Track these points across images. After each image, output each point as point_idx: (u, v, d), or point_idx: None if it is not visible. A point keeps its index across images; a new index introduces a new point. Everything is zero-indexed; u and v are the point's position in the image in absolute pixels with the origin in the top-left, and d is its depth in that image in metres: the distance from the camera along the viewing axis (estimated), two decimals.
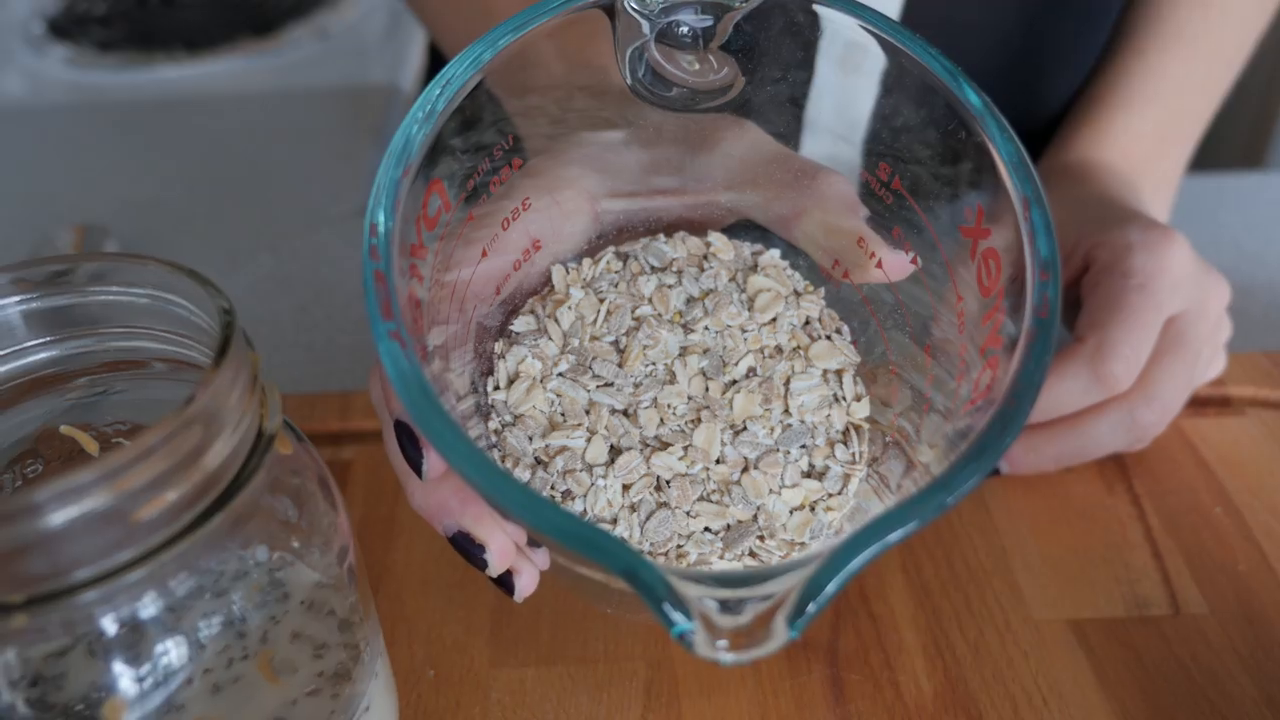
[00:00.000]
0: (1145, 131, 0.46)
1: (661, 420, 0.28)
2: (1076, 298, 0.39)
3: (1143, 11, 0.47)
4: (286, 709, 0.25)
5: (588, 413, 0.28)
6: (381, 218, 0.22)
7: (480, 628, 0.34)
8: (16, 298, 0.23)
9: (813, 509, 0.28)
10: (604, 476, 0.27)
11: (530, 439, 0.28)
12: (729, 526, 0.27)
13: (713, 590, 0.20)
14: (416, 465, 0.25)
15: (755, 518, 0.27)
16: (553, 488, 0.27)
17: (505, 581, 0.27)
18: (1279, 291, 0.49)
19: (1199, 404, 0.41)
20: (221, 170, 0.67)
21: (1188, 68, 0.47)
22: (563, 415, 0.28)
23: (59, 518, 0.19)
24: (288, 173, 0.67)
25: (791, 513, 0.28)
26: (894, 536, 0.21)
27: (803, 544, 0.27)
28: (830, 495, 0.28)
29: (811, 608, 0.20)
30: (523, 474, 0.27)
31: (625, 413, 0.28)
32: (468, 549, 0.26)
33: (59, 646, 0.22)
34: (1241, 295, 0.43)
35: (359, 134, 0.73)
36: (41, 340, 0.24)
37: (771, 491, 0.27)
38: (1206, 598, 0.34)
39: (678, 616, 0.20)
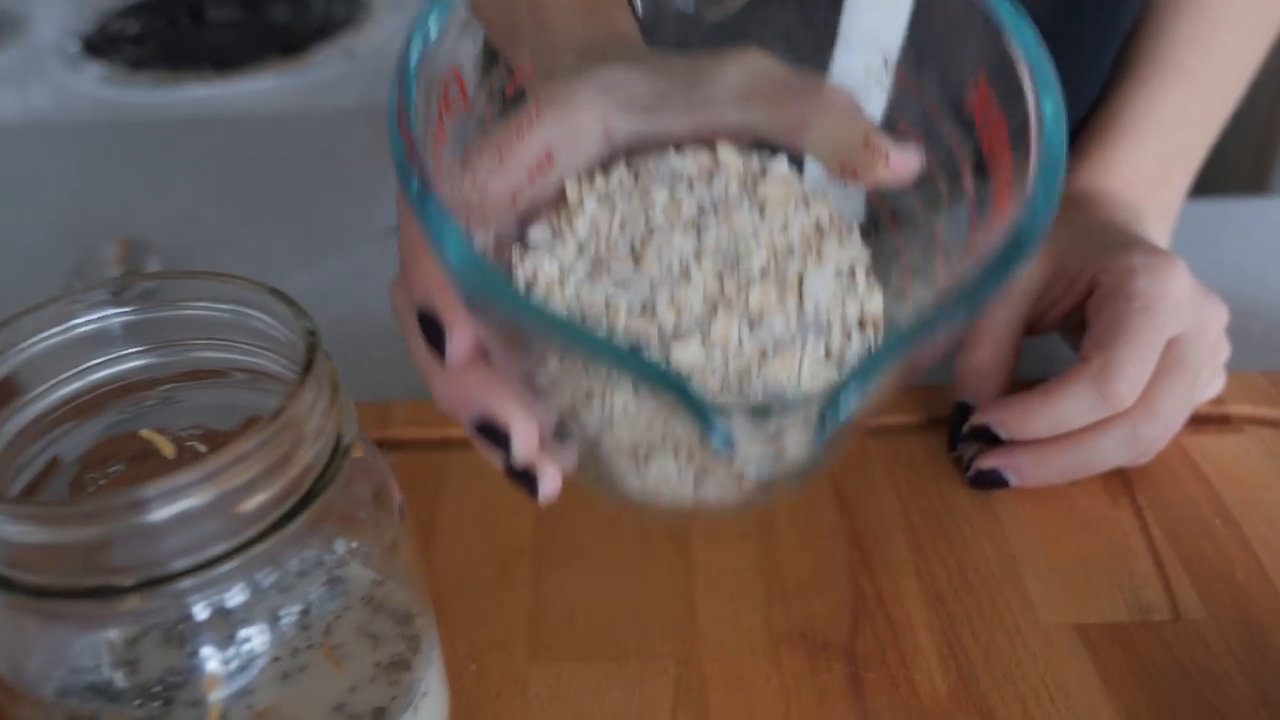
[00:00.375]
0: (1147, 162, 0.49)
1: (679, 316, 0.27)
2: (1081, 320, 0.41)
3: (1143, 47, 0.50)
4: (348, 694, 0.27)
5: (606, 311, 0.27)
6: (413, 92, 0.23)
7: (518, 626, 0.36)
8: (115, 310, 0.25)
9: None
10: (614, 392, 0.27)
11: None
12: None
13: (746, 411, 0.22)
14: (442, 350, 0.26)
15: None
16: (570, 397, 0.27)
17: (529, 481, 0.27)
18: None
19: (1199, 421, 0.43)
20: (254, 188, 0.69)
21: (1187, 101, 0.49)
22: (582, 318, 0.28)
23: (166, 511, 0.21)
24: (318, 191, 0.69)
25: None
26: (906, 346, 0.22)
27: None
28: None
29: (838, 414, 0.21)
30: (545, 380, 0.27)
31: (643, 310, 0.27)
32: (493, 436, 0.26)
33: (152, 628, 0.24)
34: (1243, 317, 0.44)
35: (385, 153, 0.75)
36: (134, 350, 0.26)
37: (790, 379, 0.27)
38: (1206, 604, 0.36)
39: (719, 427, 0.21)
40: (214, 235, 0.61)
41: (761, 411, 0.22)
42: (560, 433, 0.27)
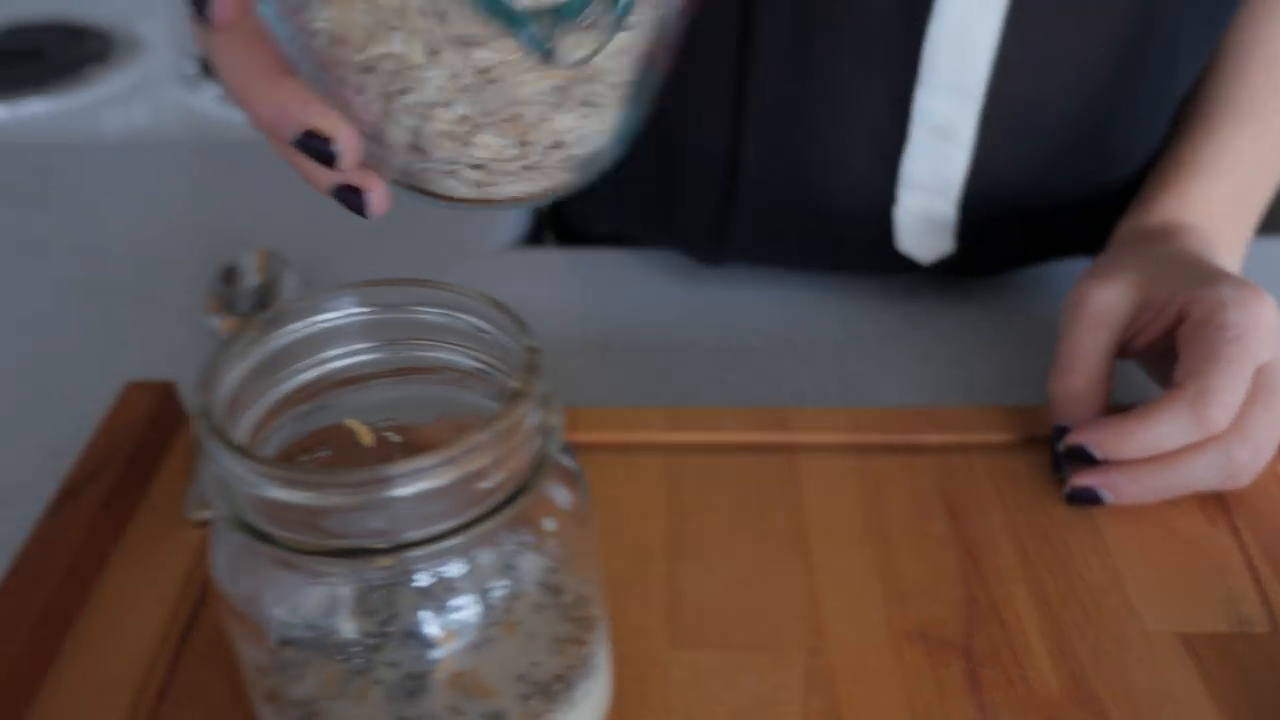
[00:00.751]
0: (1222, 199, 0.52)
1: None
2: (1165, 347, 0.44)
3: (1217, 93, 0.53)
4: (529, 666, 0.30)
5: (402, 19, 0.26)
6: None
7: (656, 615, 0.39)
8: (357, 310, 0.28)
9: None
10: (429, 70, 0.27)
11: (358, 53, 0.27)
12: (559, 87, 0.28)
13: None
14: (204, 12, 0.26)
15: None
16: (385, 89, 0.27)
17: (356, 196, 0.28)
18: None
19: None
20: None
21: (1258, 145, 0.52)
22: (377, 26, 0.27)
23: (411, 488, 0.24)
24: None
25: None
26: None
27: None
28: None
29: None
30: (357, 79, 0.27)
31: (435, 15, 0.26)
32: (317, 148, 0.27)
33: (378, 588, 0.27)
34: None
35: None
36: (362, 346, 0.29)
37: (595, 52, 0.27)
38: None
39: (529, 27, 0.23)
40: (342, 247, 0.65)
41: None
42: (378, 137, 0.28)
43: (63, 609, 0.39)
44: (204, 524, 0.43)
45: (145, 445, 0.46)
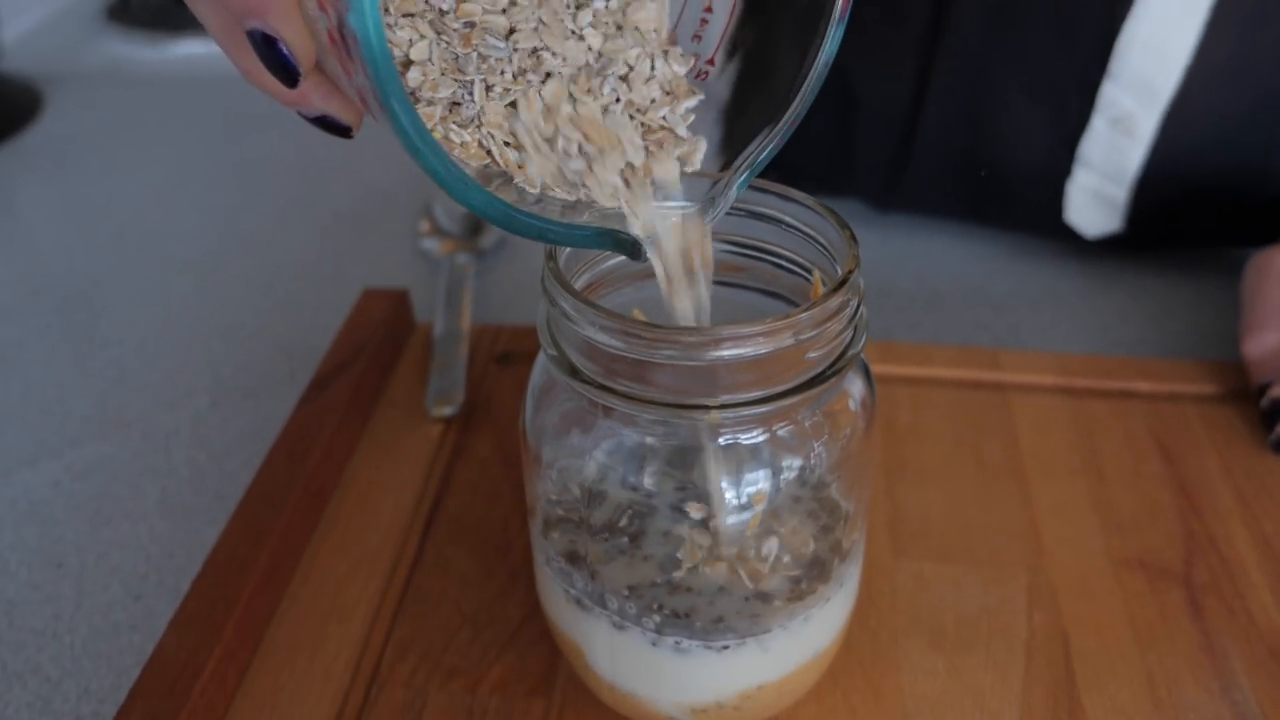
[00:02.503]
0: None
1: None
2: None
3: None
4: (800, 549, 0.32)
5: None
6: None
7: (879, 527, 0.41)
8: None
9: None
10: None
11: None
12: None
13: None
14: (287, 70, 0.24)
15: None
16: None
17: (332, 123, 0.26)
18: None
19: None
20: None
21: None
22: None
23: (739, 350, 0.26)
24: None
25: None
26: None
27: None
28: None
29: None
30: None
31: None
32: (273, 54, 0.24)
33: (684, 449, 0.29)
34: None
35: None
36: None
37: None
38: None
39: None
40: None
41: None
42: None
43: (320, 486, 0.43)
44: (444, 419, 0.47)
45: (383, 346, 0.49)
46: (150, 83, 0.84)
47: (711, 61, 0.29)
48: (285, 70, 0.24)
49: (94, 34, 0.92)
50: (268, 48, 0.24)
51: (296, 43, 0.24)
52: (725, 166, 0.29)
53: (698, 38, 0.29)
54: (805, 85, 0.28)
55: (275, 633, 0.38)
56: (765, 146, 0.28)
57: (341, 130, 0.27)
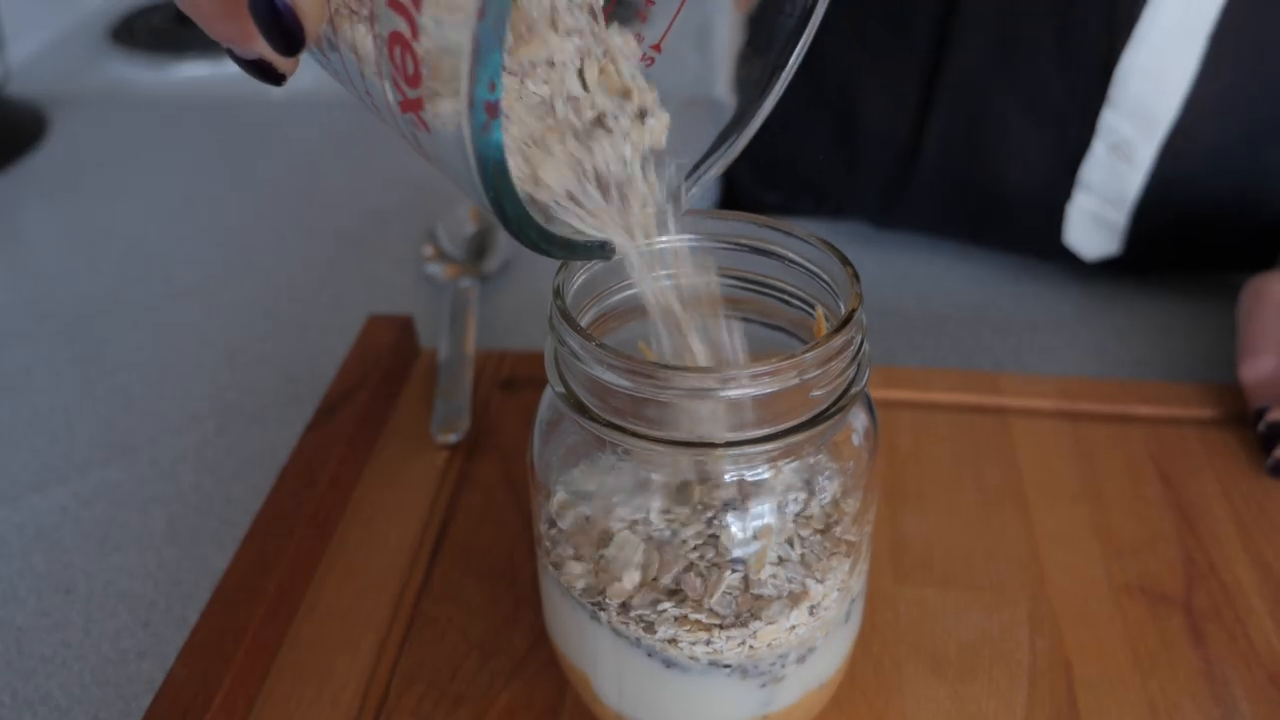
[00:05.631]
0: None
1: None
2: None
3: None
4: (806, 581, 0.32)
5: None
6: None
7: (881, 555, 0.41)
8: (696, 236, 0.31)
9: None
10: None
11: None
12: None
13: None
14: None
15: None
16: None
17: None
18: None
19: None
20: None
21: None
22: None
23: (743, 390, 0.27)
24: None
25: None
26: None
27: None
28: None
29: None
30: None
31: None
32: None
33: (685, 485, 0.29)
34: None
35: None
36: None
37: None
38: None
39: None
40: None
41: None
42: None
43: (327, 514, 0.43)
44: (450, 446, 0.47)
45: (389, 372, 0.49)
46: (155, 105, 0.84)
47: (657, 47, 0.29)
48: (285, 35, 0.21)
49: (98, 56, 0.93)
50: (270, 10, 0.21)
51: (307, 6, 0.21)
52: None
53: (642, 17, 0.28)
54: (761, 106, 0.28)
55: (283, 661, 0.38)
56: (716, 162, 0.29)
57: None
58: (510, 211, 0.22)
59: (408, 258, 0.64)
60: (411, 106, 0.22)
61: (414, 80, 0.21)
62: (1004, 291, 0.59)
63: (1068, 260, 0.58)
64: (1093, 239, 0.56)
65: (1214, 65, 0.49)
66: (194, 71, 0.89)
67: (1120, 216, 0.54)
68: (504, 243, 0.62)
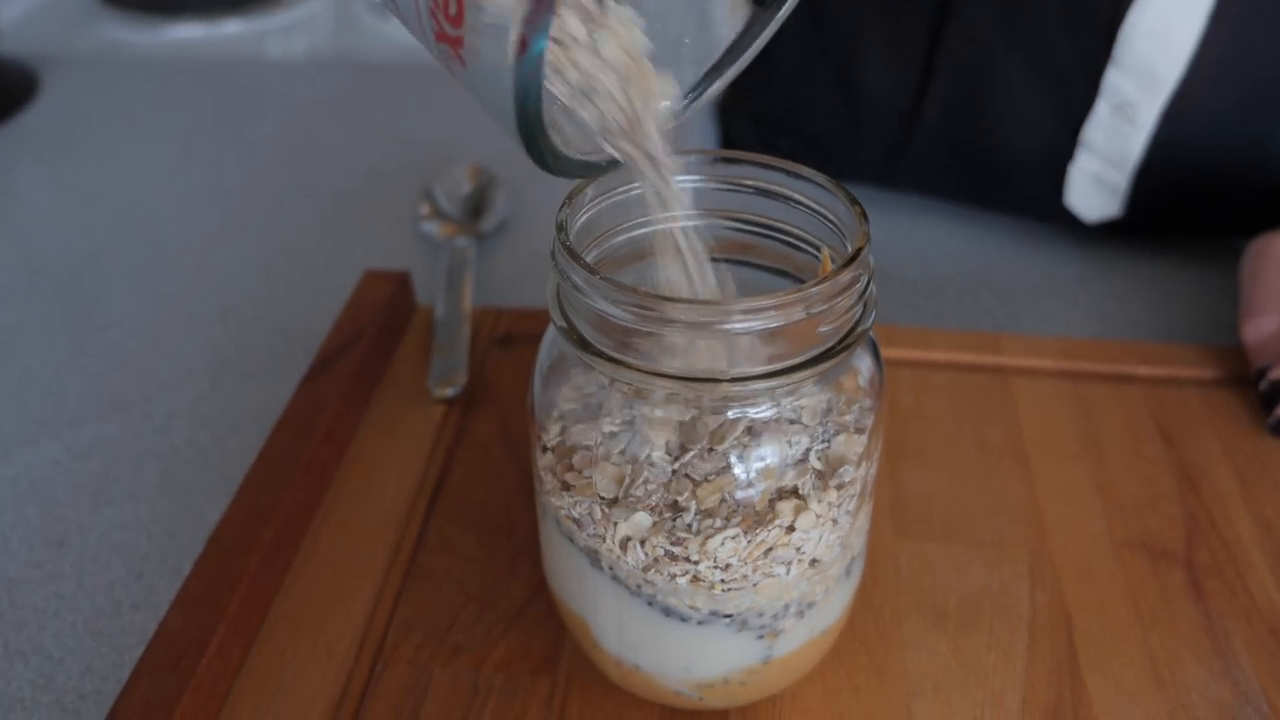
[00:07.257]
0: None
1: None
2: None
3: None
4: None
5: None
6: None
7: (882, 509, 0.41)
8: (703, 178, 0.30)
9: None
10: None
11: None
12: None
13: None
14: None
15: None
16: None
17: None
18: None
19: None
20: None
21: None
22: None
23: (749, 323, 0.26)
24: None
25: None
26: None
27: None
28: None
29: None
30: None
31: None
32: None
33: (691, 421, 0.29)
34: None
35: None
36: (690, 213, 0.31)
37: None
38: None
39: None
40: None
41: None
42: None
43: (323, 466, 0.43)
44: (446, 401, 0.46)
45: (385, 327, 0.49)
46: (147, 65, 0.83)
47: None
48: None
49: (90, 16, 0.91)
50: None
51: None
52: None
53: None
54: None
55: (279, 611, 0.38)
56: (716, 80, 0.28)
57: None
58: (543, 146, 0.24)
59: (404, 217, 0.63)
60: (447, 40, 0.23)
61: (456, 20, 0.22)
62: (1005, 255, 0.59)
63: (1069, 224, 0.57)
64: (1094, 201, 0.56)
65: (1219, 26, 0.49)
66: (186, 32, 0.88)
67: (1122, 178, 0.54)
68: (500, 202, 0.61)
